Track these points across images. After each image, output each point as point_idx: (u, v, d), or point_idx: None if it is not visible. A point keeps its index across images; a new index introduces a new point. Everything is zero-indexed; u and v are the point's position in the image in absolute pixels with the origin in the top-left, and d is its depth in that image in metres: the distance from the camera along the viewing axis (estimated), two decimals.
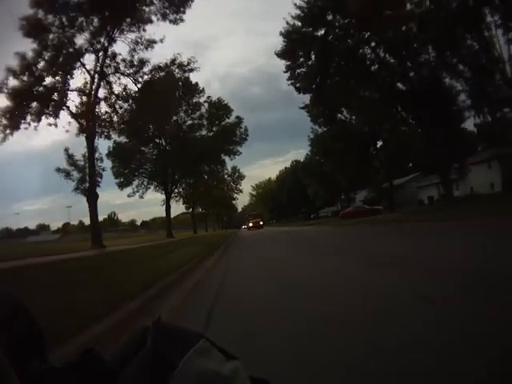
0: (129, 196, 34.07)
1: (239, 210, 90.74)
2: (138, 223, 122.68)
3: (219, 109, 33.61)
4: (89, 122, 19.76)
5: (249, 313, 3.42)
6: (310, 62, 22.10)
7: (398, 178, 42.28)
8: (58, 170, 22.29)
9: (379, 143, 32.68)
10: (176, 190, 35.20)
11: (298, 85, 23.32)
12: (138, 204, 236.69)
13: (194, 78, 30.63)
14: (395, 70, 22.89)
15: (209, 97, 33.02)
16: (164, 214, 34.73)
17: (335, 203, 60.30)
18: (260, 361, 1.93)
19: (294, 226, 39.43)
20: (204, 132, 34.31)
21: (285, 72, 22.81)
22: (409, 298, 3.22)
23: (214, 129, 33.80)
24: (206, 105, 32.68)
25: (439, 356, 1.92)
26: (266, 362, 1.97)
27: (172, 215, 38.25)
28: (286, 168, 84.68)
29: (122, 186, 33.01)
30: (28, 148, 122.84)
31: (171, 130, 29.32)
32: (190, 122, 33.17)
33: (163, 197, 32.81)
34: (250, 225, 56.57)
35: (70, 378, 0.43)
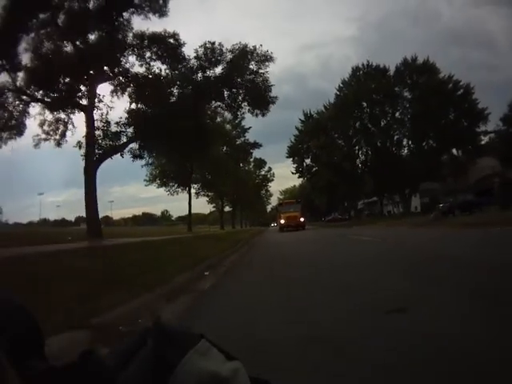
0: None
1: (268, 210, 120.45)
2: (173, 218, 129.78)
3: (260, 161, 64.68)
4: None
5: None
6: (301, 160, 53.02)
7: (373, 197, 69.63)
8: None
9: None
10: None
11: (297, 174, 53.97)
12: (165, 198, 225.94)
13: None
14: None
15: (255, 156, 63.81)
16: (199, 210, 67.88)
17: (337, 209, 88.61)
18: None
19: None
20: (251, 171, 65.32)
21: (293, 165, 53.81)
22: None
23: (257, 172, 65.31)
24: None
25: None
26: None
27: (206, 212, 72.42)
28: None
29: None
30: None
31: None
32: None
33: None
34: (282, 222, 37.83)
35: (69, 378, 0.44)
